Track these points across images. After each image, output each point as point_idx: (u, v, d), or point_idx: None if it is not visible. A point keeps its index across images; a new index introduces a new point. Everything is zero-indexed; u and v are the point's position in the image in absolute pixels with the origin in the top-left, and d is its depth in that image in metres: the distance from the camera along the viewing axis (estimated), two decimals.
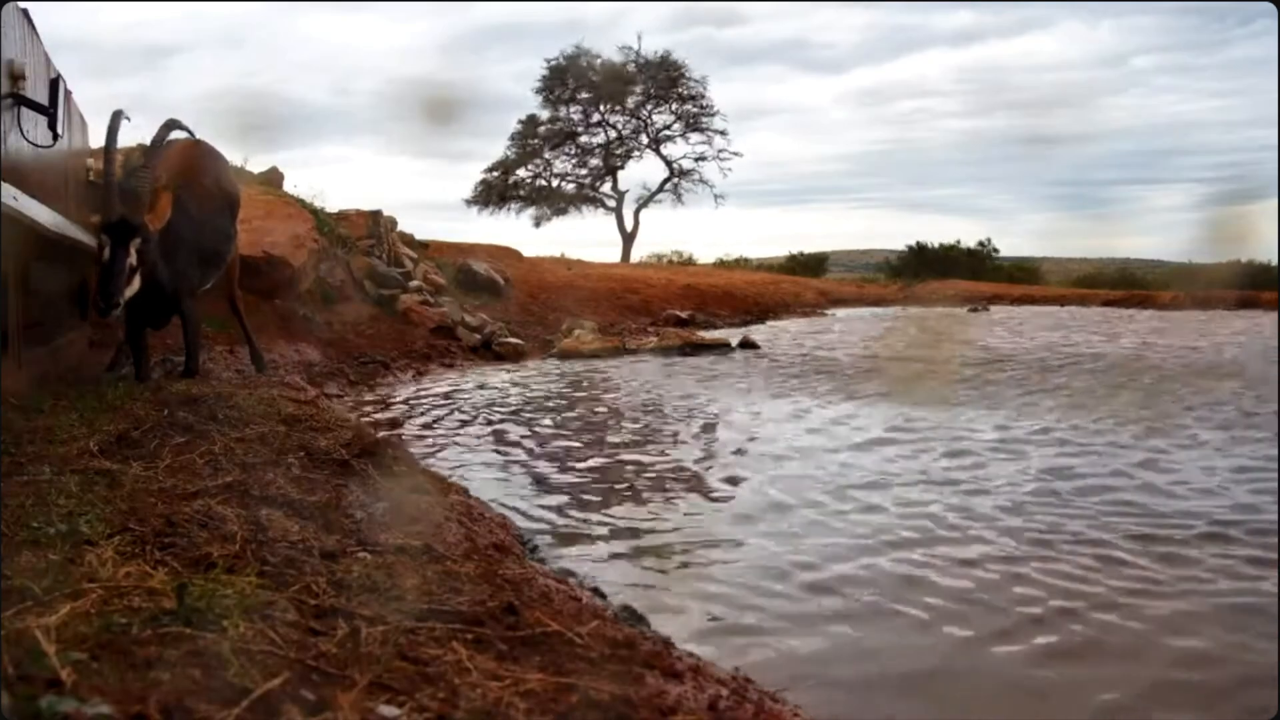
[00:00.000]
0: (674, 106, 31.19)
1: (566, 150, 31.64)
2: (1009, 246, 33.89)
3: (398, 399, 7.91)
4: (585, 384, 9.03)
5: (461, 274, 13.42)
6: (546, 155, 31.54)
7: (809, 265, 33.17)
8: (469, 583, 2.21)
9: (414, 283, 11.84)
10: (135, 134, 6.19)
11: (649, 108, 31.25)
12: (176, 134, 5.47)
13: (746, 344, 12.43)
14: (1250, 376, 8.93)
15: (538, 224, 31.46)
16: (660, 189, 31.37)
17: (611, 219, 31.80)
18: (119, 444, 3.16)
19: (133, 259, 4.65)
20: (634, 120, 31.43)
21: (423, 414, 7.14)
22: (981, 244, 32.70)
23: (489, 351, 11.00)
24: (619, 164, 31.81)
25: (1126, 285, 26.09)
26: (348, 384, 8.33)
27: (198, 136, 5.90)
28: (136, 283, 4.71)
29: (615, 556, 3.70)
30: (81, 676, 1.34)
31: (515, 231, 40.08)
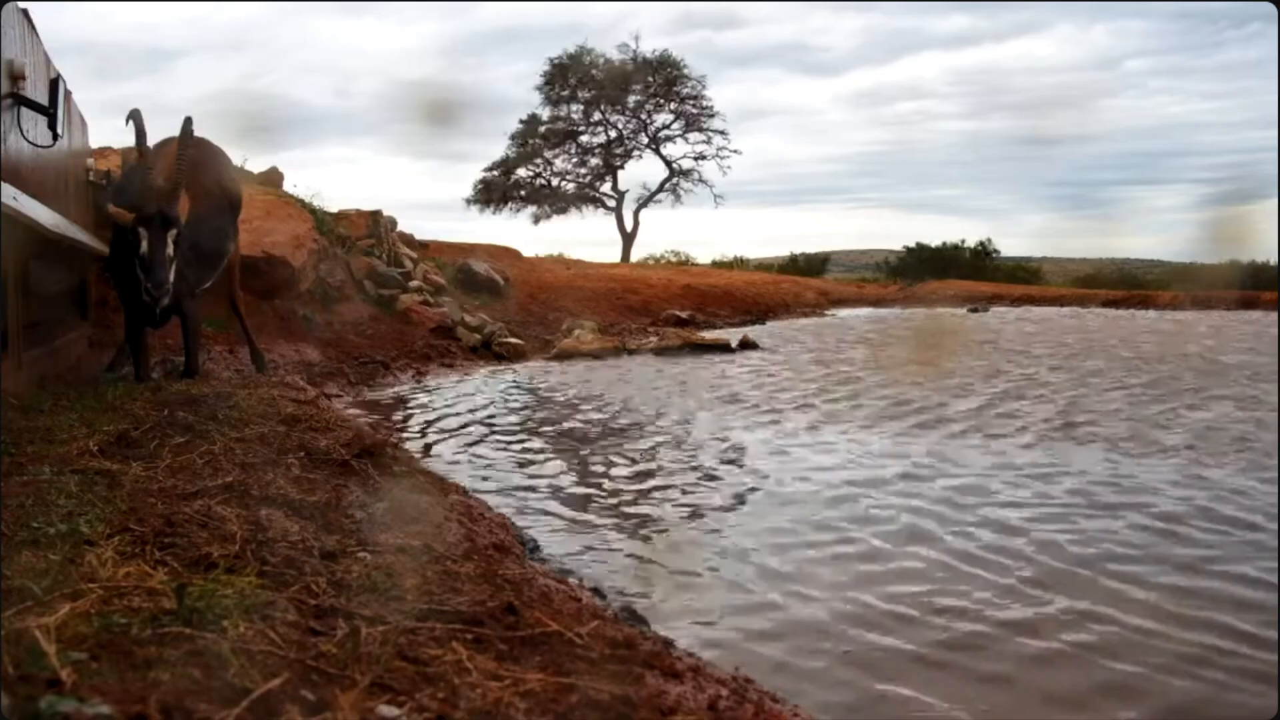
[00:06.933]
0: (673, 106, 31.20)
1: (567, 149, 31.64)
2: (1009, 246, 33.87)
3: (397, 399, 7.91)
4: (585, 384, 9.03)
5: (461, 274, 13.41)
6: (547, 154, 31.53)
7: (808, 266, 33.14)
8: (469, 583, 2.20)
9: (414, 283, 11.84)
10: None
11: (649, 107, 31.25)
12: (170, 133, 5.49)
13: (746, 344, 12.43)
14: None
15: (536, 221, 31.46)
16: (660, 189, 31.39)
17: (611, 219, 31.82)
18: (119, 444, 3.16)
19: (170, 249, 4.85)
20: (634, 120, 31.43)
21: (423, 414, 7.14)
22: (981, 244, 32.69)
23: (489, 351, 11.00)
24: (619, 164, 31.81)
25: (1126, 285, 26.05)
26: (348, 384, 8.33)
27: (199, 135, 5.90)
28: (173, 271, 4.90)
29: (615, 556, 3.70)
30: (81, 676, 1.34)
31: (515, 231, 40.12)
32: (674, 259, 30.21)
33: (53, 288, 5.14)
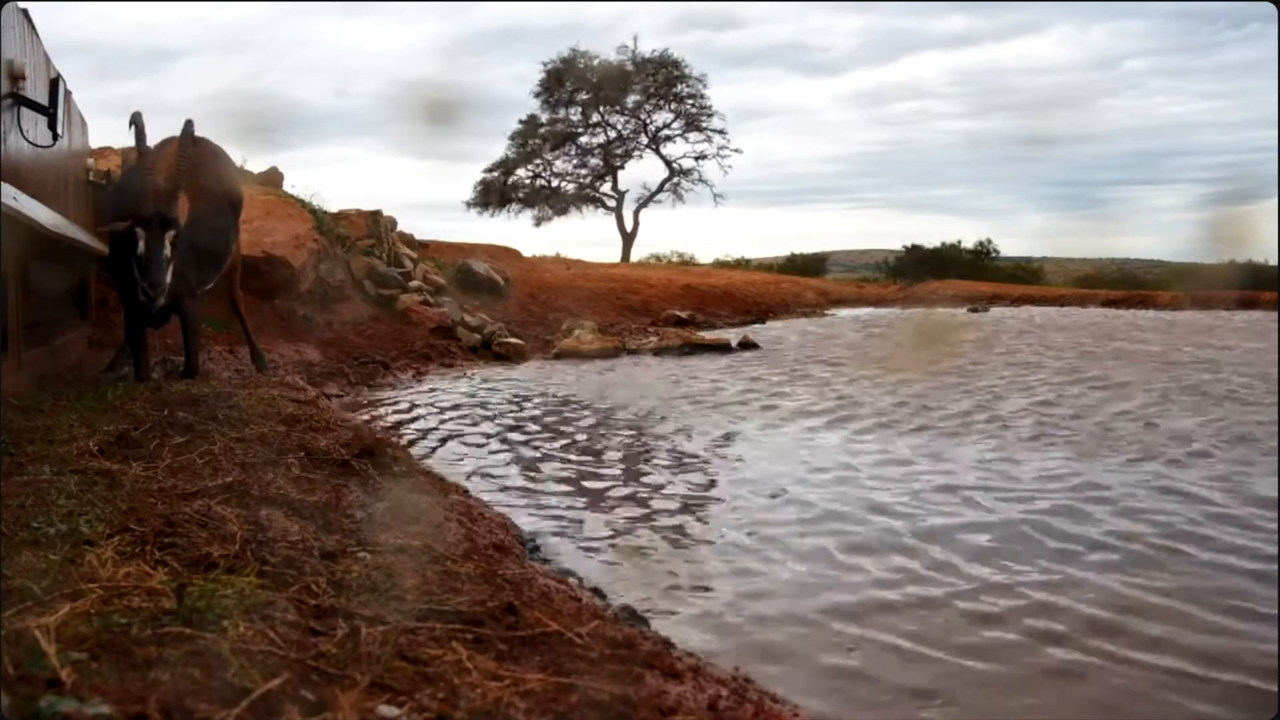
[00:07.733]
0: (673, 106, 31.19)
1: (566, 150, 31.63)
2: (1009, 246, 33.91)
3: (397, 399, 7.90)
4: (585, 384, 9.03)
5: (461, 274, 13.41)
6: (546, 155, 31.53)
7: (805, 266, 33.14)
8: (469, 583, 2.21)
9: (414, 283, 11.84)
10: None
11: (648, 107, 31.24)
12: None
13: (746, 344, 12.43)
14: None
15: (538, 224, 31.48)
16: (660, 189, 31.37)
17: (611, 219, 31.82)
18: (119, 444, 3.16)
19: (168, 250, 4.86)
20: (634, 120, 31.43)
21: (423, 414, 7.14)
22: (981, 244, 32.72)
23: (489, 351, 11.00)
24: (619, 164, 31.80)
25: (1126, 285, 26.07)
26: (348, 384, 8.33)
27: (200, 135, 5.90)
28: (170, 272, 4.91)
29: (615, 556, 3.70)
30: (81, 676, 1.34)
31: (515, 231, 40.15)
32: (676, 259, 30.22)
33: (53, 288, 5.14)
